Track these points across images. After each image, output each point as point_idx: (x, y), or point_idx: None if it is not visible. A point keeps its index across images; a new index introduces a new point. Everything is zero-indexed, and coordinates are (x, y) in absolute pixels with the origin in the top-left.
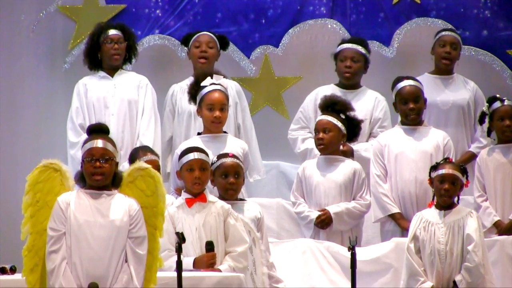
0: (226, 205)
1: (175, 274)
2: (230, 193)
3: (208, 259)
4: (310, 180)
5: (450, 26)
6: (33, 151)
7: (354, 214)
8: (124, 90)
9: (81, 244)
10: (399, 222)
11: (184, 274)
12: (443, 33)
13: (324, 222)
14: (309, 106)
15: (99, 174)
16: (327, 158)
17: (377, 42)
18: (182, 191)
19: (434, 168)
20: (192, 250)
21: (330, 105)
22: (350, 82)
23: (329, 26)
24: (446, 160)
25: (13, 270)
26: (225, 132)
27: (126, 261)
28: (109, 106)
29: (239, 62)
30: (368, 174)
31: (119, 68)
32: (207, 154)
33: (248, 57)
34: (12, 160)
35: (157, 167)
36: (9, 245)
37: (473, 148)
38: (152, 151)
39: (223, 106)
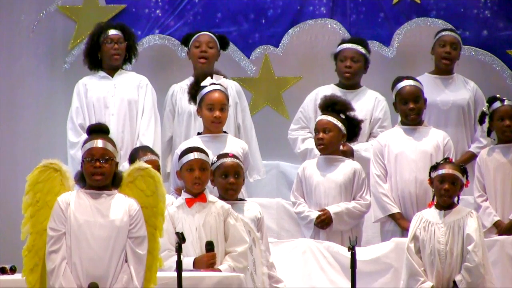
0: (226, 205)
1: (175, 274)
2: (230, 193)
3: (208, 259)
4: (310, 180)
5: (450, 26)
6: (33, 151)
7: (354, 214)
8: (124, 90)
9: (81, 244)
10: (399, 222)
11: (184, 274)
12: (443, 33)
13: (324, 222)
14: (309, 106)
15: (99, 174)
16: (327, 158)
17: (377, 42)
18: (182, 191)
19: (434, 168)
20: (192, 250)
21: (330, 105)
22: (350, 82)
23: (329, 26)
24: (446, 160)
25: (13, 270)
26: (225, 132)
27: (126, 261)
28: (109, 106)
29: (239, 62)
30: (368, 174)
31: (119, 68)
32: (207, 154)
33: (248, 57)
34: (12, 160)
35: (157, 167)
36: (9, 245)
37: (473, 148)
38: (152, 151)
39: (223, 106)
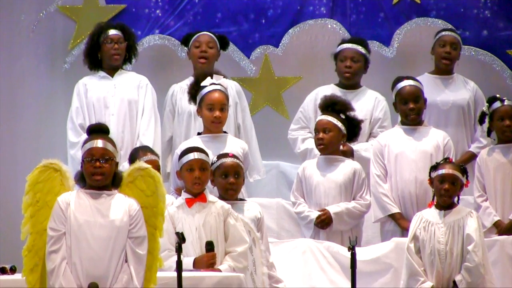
0: (226, 205)
1: (175, 274)
2: (230, 193)
3: (208, 259)
4: (310, 180)
5: (450, 26)
6: (33, 151)
7: (354, 214)
8: (124, 90)
9: (81, 244)
10: (399, 222)
11: (184, 274)
12: (443, 33)
13: (324, 222)
14: (309, 106)
15: (99, 174)
16: (327, 158)
17: (377, 42)
18: (182, 191)
19: (434, 168)
20: (192, 250)
21: (330, 105)
22: (350, 82)
23: (329, 26)
24: (446, 160)
25: (13, 270)
26: (225, 132)
27: (126, 261)
28: (109, 106)
29: (239, 62)
30: (368, 174)
31: (119, 68)
32: (207, 154)
33: (248, 57)
34: (12, 160)
35: (157, 167)
36: (9, 245)
37: (473, 148)
38: (152, 151)
39: (223, 106)
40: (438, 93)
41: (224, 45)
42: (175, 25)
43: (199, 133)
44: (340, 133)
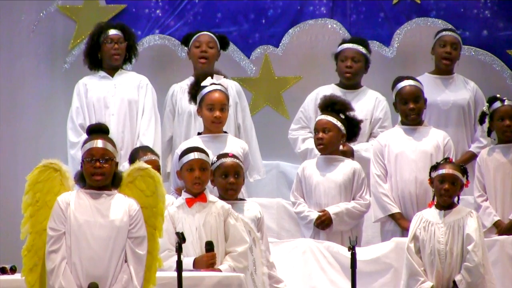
0: (226, 205)
1: (175, 274)
2: (230, 193)
3: (208, 259)
4: (310, 180)
5: (450, 26)
6: (33, 151)
7: (354, 214)
8: (124, 90)
9: (81, 244)
10: (399, 222)
11: (184, 274)
12: (443, 33)
13: (324, 223)
14: (310, 106)
15: (99, 174)
16: (327, 158)
17: (377, 42)
18: (182, 191)
19: (434, 168)
20: (192, 250)
21: (330, 105)
22: (351, 82)
23: (329, 26)
24: (446, 160)
25: (13, 270)
26: (225, 132)
27: (126, 261)
28: (109, 106)
29: (239, 62)
30: (369, 174)
31: (119, 68)
32: (207, 154)
33: (248, 57)
34: (12, 160)
35: (157, 167)
36: (9, 245)
37: (473, 148)
38: (152, 151)
39: (223, 106)
40: (438, 93)
41: (224, 45)
42: (175, 25)
43: (199, 133)
44: (339, 133)
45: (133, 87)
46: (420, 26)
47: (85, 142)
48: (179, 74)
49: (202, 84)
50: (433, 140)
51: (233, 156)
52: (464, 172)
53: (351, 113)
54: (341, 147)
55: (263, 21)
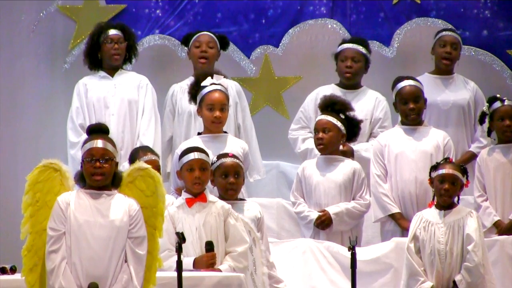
0: (226, 205)
1: (175, 274)
2: (230, 193)
3: (208, 259)
4: (310, 180)
5: (450, 26)
6: (33, 151)
7: (354, 214)
8: (124, 90)
9: (81, 244)
10: (399, 222)
11: (184, 274)
12: (443, 33)
13: (324, 223)
14: (310, 106)
15: (99, 174)
16: (327, 158)
17: (377, 42)
18: (182, 191)
19: (434, 168)
20: (192, 250)
21: (330, 105)
22: (351, 82)
23: (329, 26)
24: (446, 160)
25: (13, 270)
26: (225, 132)
27: (126, 261)
28: (109, 106)
29: (239, 62)
30: (369, 174)
31: (119, 68)
32: (207, 154)
33: (248, 57)
34: (12, 160)
35: (157, 167)
36: (9, 245)
37: (473, 148)
38: (152, 151)
39: (223, 106)
40: (438, 93)
41: (224, 45)
42: (175, 25)
43: (199, 133)
44: (339, 133)
45: (133, 87)
46: (420, 26)
47: (85, 142)
48: (179, 74)
49: (202, 84)
50: (433, 140)
51: (233, 156)
52: (464, 172)
53: (351, 113)
54: (341, 147)
55: (263, 21)
